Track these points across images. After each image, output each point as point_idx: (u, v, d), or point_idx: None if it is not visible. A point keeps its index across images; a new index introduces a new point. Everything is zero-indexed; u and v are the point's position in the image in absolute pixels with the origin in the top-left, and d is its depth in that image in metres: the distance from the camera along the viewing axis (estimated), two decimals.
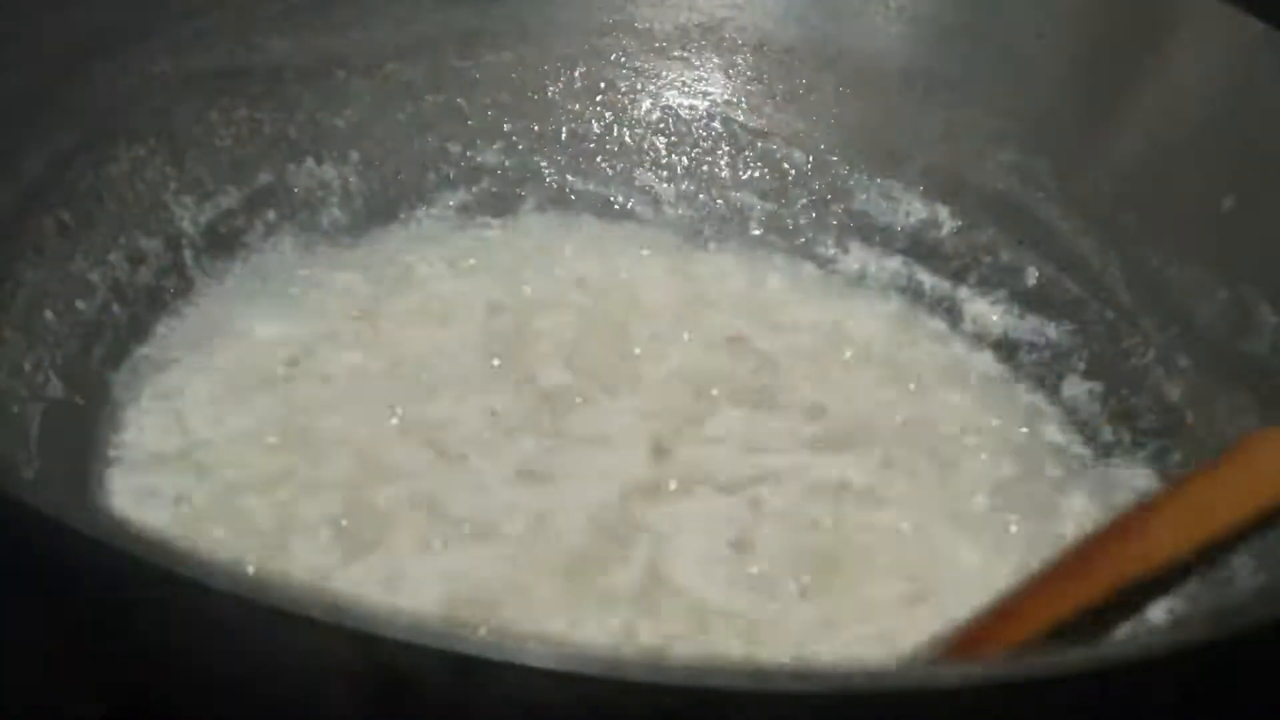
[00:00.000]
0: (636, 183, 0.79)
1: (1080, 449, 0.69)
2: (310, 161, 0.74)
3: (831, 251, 0.77)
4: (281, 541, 0.59)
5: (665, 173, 0.79)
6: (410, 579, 0.58)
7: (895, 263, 0.76)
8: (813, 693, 0.39)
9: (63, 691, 0.50)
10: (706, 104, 0.79)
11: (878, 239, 0.77)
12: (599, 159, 0.79)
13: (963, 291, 0.75)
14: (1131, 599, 0.56)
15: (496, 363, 0.69)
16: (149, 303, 0.68)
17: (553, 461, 0.64)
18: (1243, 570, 0.57)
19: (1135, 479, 0.67)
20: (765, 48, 0.79)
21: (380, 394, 0.66)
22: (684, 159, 0.79)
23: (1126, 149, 0.71)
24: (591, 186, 0.78)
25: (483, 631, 0.41)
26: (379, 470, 0.63)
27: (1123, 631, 0.57)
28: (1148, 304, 0.69)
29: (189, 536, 0.58)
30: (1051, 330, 0.73)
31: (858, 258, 0.77)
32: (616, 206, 0.78)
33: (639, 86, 0.79)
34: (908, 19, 0.77)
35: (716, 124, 0.79)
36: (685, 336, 0.72)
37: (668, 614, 0.58)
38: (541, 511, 0.61)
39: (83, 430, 0.62)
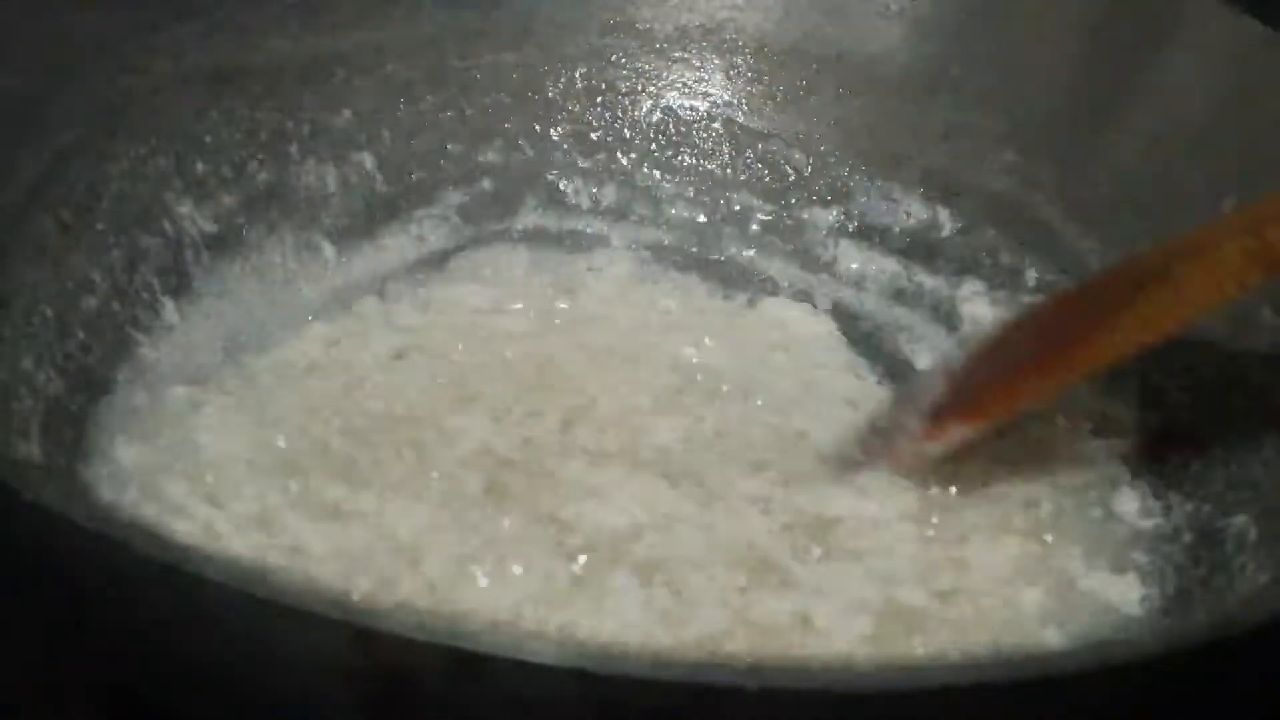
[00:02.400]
0: (637, 183, 0.79)
1: (1080, 449, 0.69)
2: (310, 161, 0.74)
3: (831, 253, 0.77)
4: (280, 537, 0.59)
5: (665, 173, 0.79)
6: None
7: (895, 264, 0.76)
8: (813, 691, 0.39)
9: (63, 688, 0.50)
10: (707, 105, 0.80)
11: (878, 240, 0.77)
12: (599, 159, 0.79)
13: (963, 292, 0.75)
14: None
15: (501, 357, 0.69)
16: (149, 302, 0.68)
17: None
18: (1243, 570, 0.57)
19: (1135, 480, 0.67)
20: (766, 49, 0.79)
21: (381, 392, 0.66)
22: (684, 160, 0.79)
23: (1126, 150, 0.71)
24: (592, 187, 0.78)
25: None
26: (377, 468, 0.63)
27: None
28: None
29: (190, 534, 0.58)
30: None
31: (858, 259, 0.77)
32: (617, 207, 0.78)
33: (639, 87, 0.79)
34: (908, 20, 0.77)
35: (717, 125, 0.79)
36: (683, 337, 0.72)
37: None
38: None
39: (83, 430, 0.62)
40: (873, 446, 0.64)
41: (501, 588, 0.57)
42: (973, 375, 0.63)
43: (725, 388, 0.69)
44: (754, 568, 0.59)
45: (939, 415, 0.62)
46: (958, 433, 0.62)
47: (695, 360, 0.71)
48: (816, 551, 0.61)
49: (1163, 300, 0.58)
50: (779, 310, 0.75)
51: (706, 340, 0.72)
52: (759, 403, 0.69)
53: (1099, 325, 0.59)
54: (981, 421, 0.62)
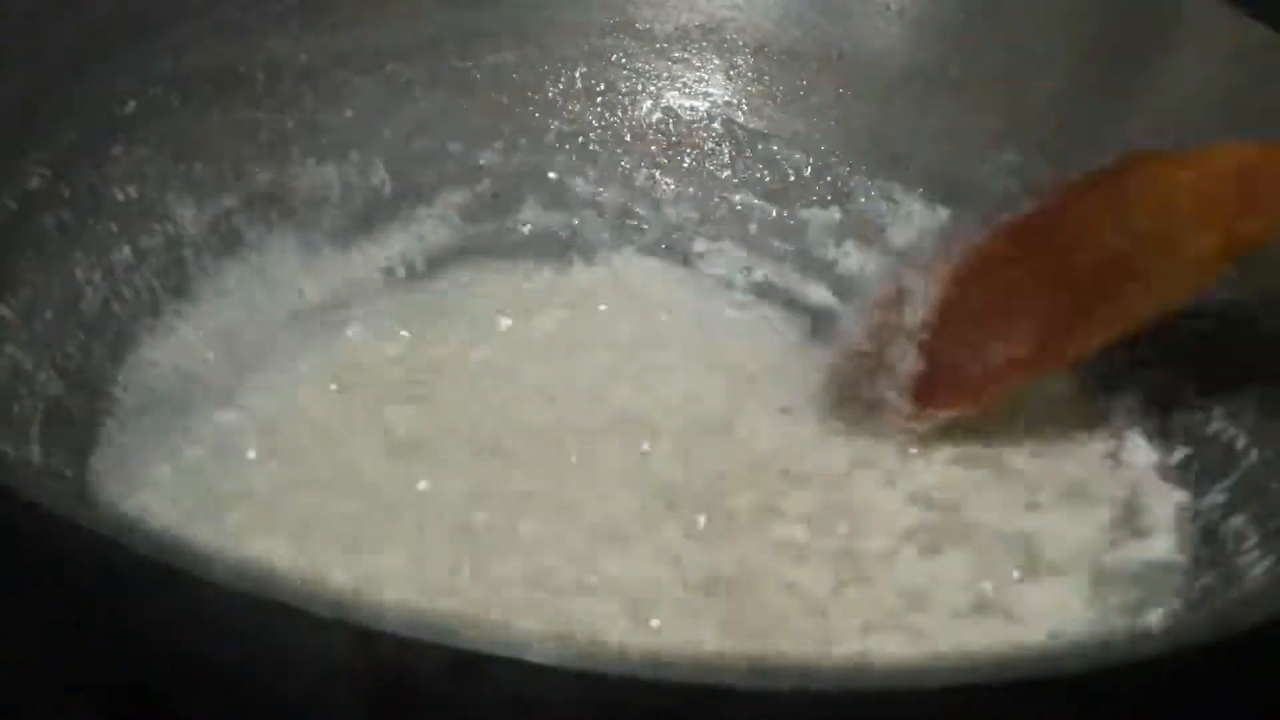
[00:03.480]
0: (636, 183, 0.79)
1: (1079, 449, 0.69)
2: (310, 161, 0.74)
3: (832, 253, 0.77)
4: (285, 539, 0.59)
5: (665, 174, 0.79)
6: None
7: (895, 263, 0.76)
8: (813, 691, 0.39)
9: (64, 690, 0.50)
10: (707, 105, 0.80)
11: (878, 240, 0.77)
12: (599, 160, 0.79)
13: None
14: None
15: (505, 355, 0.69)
16: (149, 303, 0.68)
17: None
18: (1243, 570, 0.57)
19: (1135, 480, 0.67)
20: (766, 49, 0.79)
21: (380, 393, 0.66)
22: (684, 160, 0.79)
23: (1127, 150, 0.71)
24: (591, 187, 0.78)
25: None
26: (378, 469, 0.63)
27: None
28: None
29: (190, 534, 0.58)
30: None
31: (858, 259, 0.77)
32: (617, 207, 0.78)
33: (639, 87, 0.80)
34: (908, 20, 0.77)
35: (717, 125, 0.79)
36: (682, 337, 0.72)
37: None
38: None
39: (83, 430, 0.62)
40: (853, 416, 0.66)
41: None
42: (943, 347, 0.64)
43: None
44: None
45: (922, 396, 0.64)
46: (945, 415, 0.64)
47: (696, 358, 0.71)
48: None
49: (1139, 297, 0.60)
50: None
51: (706, 339, 0.72)
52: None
53: (1080, 316, 0.61)
54: (970, 407, 0.64)
